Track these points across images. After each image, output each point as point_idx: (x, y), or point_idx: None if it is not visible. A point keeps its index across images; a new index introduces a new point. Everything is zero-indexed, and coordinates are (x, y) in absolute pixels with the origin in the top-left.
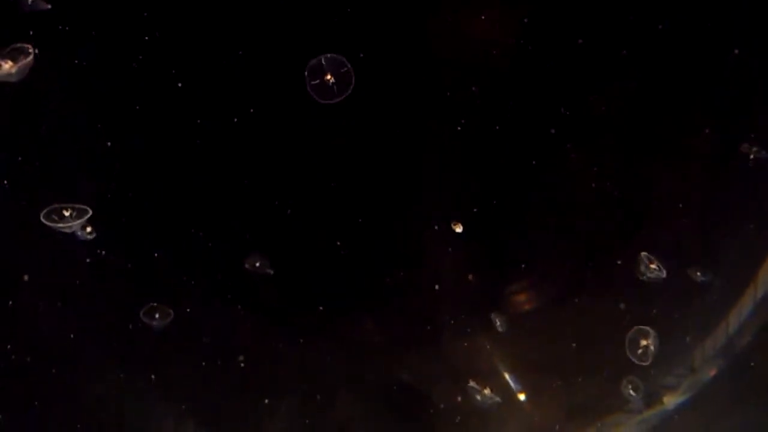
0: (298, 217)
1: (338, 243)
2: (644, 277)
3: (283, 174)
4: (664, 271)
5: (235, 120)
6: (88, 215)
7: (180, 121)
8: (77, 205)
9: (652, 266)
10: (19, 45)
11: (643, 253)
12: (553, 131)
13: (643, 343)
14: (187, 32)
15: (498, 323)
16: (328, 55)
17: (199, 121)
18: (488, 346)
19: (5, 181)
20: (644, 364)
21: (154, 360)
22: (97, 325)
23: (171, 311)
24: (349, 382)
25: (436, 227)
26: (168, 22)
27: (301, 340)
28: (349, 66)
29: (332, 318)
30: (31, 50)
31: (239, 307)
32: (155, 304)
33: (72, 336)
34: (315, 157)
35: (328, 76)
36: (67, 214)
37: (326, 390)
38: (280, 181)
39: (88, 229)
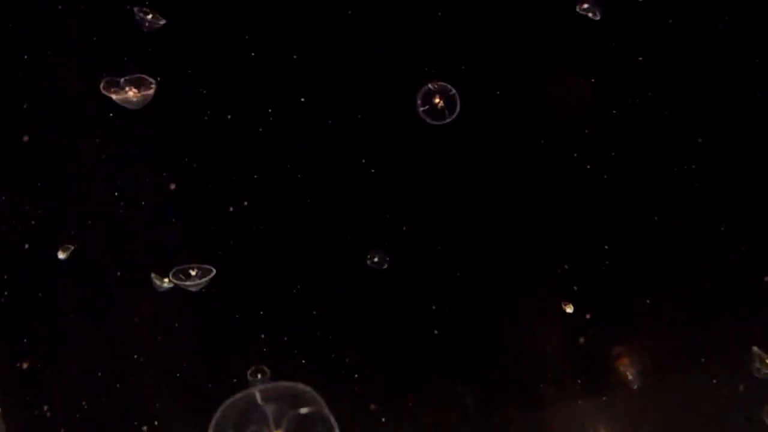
0: (395, 277)
1: (435, 301)
2: (758, 374)
3: (383, 233)
4: None
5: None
6: (212, 274)
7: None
8: (203, 265)
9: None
10: (144, 76)
11: (755, 348)
12: (672, 195)
13: None
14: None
15: (630, 377)
16: (436, 85)
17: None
18: (593, 413)
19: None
20: None
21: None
22: (198, 384)
23: (268, 371)
24: None
25: (541, 283)
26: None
27: (401, 402)
28: (455, 91)
29: (431, 381)
30: (153, 84)
31: (337, 370)
32: (260, 366)
33: (169, 392)
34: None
35: (437, 99)
36: (193, 273)
37: None
38: (382, 239)
39: (165, 280)
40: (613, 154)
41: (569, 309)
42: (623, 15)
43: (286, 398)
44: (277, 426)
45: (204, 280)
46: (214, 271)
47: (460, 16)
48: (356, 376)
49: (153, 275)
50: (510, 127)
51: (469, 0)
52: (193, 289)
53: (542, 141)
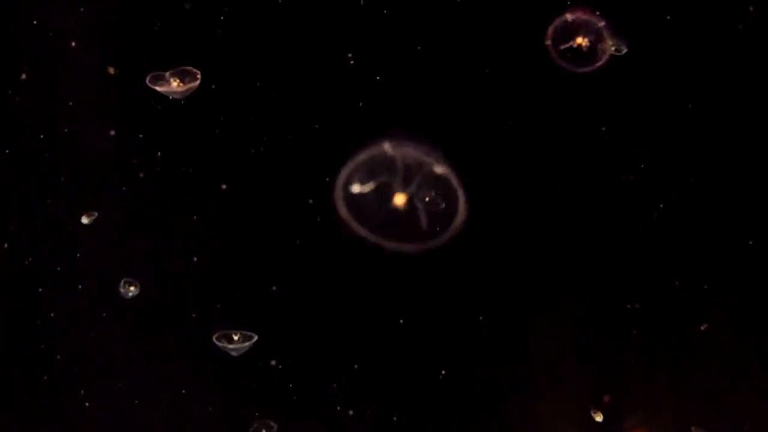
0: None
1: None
2: None
3: None
4: None
5: None
6: (254, 340)
7: None
8: (245, 332)
9: None
10: (189, 68)
11: None
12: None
13: None
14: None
15: None
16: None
17: None
18: None
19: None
20: None
21: None
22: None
23: (275, 425)
24: None
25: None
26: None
27: None
28: (603, 24)
29: None
30: (199, 76)
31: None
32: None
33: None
34: None
35: (579, 39)
36: (236, 338)
37: None
38: None
39: (131, 288)
40: None
41: (598, 418)
42: None
43: (420, 159)
44: (406, 184)
45: (247, 344)
46: (256, 337)
47: None
48: None
49: (123, 280)
50: None
51: None
52: (234, 353)
53: None
